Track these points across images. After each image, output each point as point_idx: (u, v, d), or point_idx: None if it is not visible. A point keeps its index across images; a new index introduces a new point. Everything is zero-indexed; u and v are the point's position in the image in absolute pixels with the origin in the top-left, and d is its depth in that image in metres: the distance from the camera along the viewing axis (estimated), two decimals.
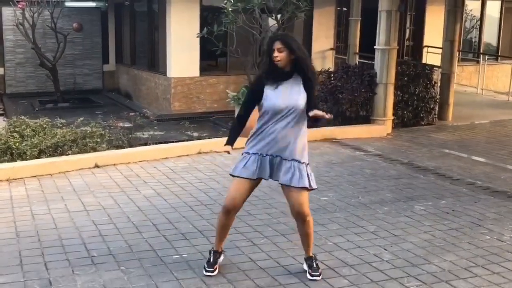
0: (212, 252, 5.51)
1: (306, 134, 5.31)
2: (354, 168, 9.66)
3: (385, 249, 6.20)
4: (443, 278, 5.48)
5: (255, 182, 5.29)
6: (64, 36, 18.83)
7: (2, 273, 5.52)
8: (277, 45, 5.12)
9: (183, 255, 5.98)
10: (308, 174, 5.23)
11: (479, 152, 10.93)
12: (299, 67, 5.18)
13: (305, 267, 5.54)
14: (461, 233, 6.68)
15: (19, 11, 18.38)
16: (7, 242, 6.31)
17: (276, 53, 5.11)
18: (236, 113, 5.52)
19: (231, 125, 5.44)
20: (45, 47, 19.67)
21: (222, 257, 5.60)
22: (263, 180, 5.38)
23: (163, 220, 7.07)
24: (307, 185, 5.20)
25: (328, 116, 5.09)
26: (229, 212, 5.30)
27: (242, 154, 5.31)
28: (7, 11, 20.06)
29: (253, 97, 5.33)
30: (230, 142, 5.32)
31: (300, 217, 5.34)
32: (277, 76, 5.19)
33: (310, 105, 5.15)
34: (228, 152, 5.33)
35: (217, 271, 5.40)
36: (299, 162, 5.20)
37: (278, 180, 5.25)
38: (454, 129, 13.32)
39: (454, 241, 6.44)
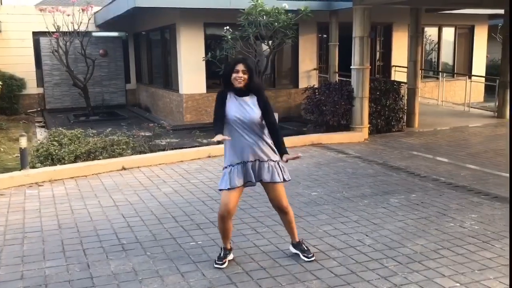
0: (222, 248, 5.43)
1: (269, 136, 5.19)
2: (338, 168, 9.64)
3: (367, 235, 6.18)
4: (416, 259, 5.47)
5: (240, 189, 5.20)
6: (92, 61, 18.81)
7: (49, 258, 5.52)
8: (242, 67, 5.06)
9: (198, 242, 5.98)
10: (281, 170, 5.23)
11: (442, 153, 10.90)
12: (252, 89, 5.13)
13: (295, 250, 5.55)
14: (429, 221, 6.66)
15: (54, 40, 18.32)
16: (51, 233, 6.31)
17: (240, 74, 5.04)
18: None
19: (214, 122, 5.18)
20: (77, 70, 19.62)
21: (231, 255, 5.45)
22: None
23: (180, 213, 7.06)
24: (283, 179, 5.23)
25: (299, 155, 5.32)
26: (225, 218, 5.18)
27: (223, 169, 5.24)
28: (44, 40, 20.01)
29: (219, 107, 5.11)
30: (219, 131, 5.02)
31: (281, 208, 5.35)
32: (236, 92, 5.12)
33: (272, 126, 5.18)
34: (219, 142, 5.31)
35: (226, 264, 5.29)
36: (273, 161, 5.18)
37: (261, 180, 5.20)
38: (420, 135, 13.28)
39: (424, 228, 6.43)
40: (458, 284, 4.88)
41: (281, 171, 5.23)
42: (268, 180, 5.17)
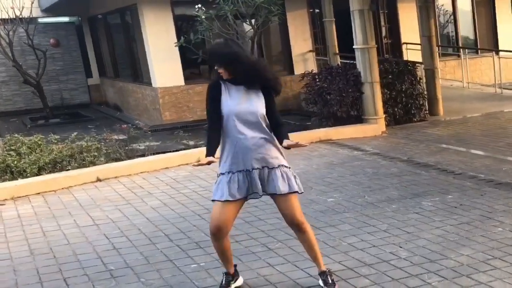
0: (223, 274, 5.24)
1: (275, 138, 4.97)
2: (355, 168, 9.68)
3: (401, 247, 6.20)
4: (463, 272, 5.48)
5: (241, 202, 4.97)
6: (43, 52, 18.79)
7: None
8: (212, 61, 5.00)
9: (201, 264, 5.96)
10: (295, 178, 4.99)
11: (477, 145, 10.98)
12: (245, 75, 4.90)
13: (321, 283, 5.21)
14: (473, 227, 6.69)
15: None
16: (22, 260, 6.28)
17: (217, 68, 4.85)
18: None
19: (206, 137, 5.06)
20: (26, 64, 19.59)
21: (240, 281, 5.33)
22: None
23: (174, 230, 7.05)
24: (295, 189, 4.95)
25: (304, 144, 5.01)
26: (217, 236, 4.94)
27: (218, 175, 4.97)
28: None
29: (212, 103, 4.91)
30: (211, 152, 4.85)
31: (298, 224, 5.05)
32: (229, 82, 4.91)
33: (271, 113, 4.97)
34: (209, 163, 4.82)
35: None
36: (286, 166, 4.97)
37: (273, 192, 4.93)
38: (447, 124, 13.39)
39: (467, 235, 6.45)
40: None
41: (295, 179, 4.98)
42: (285, 191, 4.89)
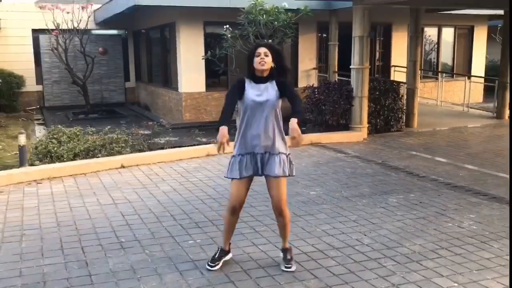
0: (219, 249, 5.25)
1: (282, 130, 4.99)
2: (337, 168, 9.64)
3: (365, 235, 6.19)
4: (414, 258, 5.48)
5: (250, 179, 5.05)
6: (91, 59, 18.81)
7: (47, 256, 5.52)
8: (263, 49, 4.88)
9: (197, 241, 5.97)
10: (289, 164, 5.02)
11: (441, 153, 10.91)
12: (279, 72, 4.97)
13: (281, 255, 5.32)
14: (428, 221, 6.67)
15: (53, 38, 18.33)
16: (50, 230, 6.30)
17: (262, 56, 4.85)
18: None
19: (221, 112, 4.90)
20: (76, 68, 19.59)
21: (228, 256, 5.30)
22: (262, 177, 5.13)
23: (179, 211, 7.05)
24: (287, 174, 4.99)
25: (298, 144, 4.65)
26: (236, 210, 5.04)
27: (232, 157, 5.02)
28: (44, 38, 19.96)
29: (234, 94, 4.93)
30: (224, 121, 4.76)
31: (280, 208, 5.05)
32: (255, 80, 4.94)
33: (294, 105, 4.85)
34: (223, 147, 4.65)
35: (219, 266, 5.12)
36: (284, 153, 4.98)
37: (269, 174, 4.96)
38: (419, 135, 13.30)
39: (422, 227, 6.44)
40: (456, 284, 4.88)
41: (289, 165, 5.02)
42: (278, 174, 4.93)
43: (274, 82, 4.94)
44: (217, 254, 5.20)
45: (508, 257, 5.51)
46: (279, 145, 4.97)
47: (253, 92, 4.90)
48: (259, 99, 4.87)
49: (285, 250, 5.31)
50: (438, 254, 5.62)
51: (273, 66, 4.94)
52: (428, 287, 4.81)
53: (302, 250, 5.66)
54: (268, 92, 4.90)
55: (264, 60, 4.85)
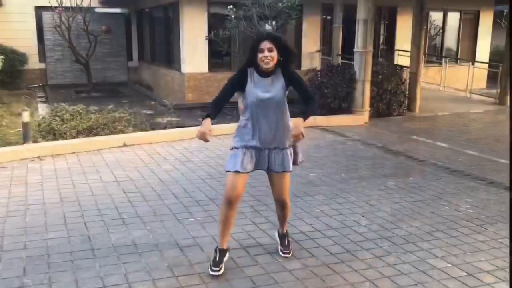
0: (217, 250, 4.77)
1: (289, 122, 4.70)
2: (337, 150, 9.77)
3: (363, 216, 6.33)
4: (410, 240, 5.61)
5: (248, 174, 4.73)
6: (94, 37, 18.90)
7: (51, 230, 5.66)
8: (267, 44, 4.46)
9: (197, 218, 6.10)
10: (291, 156, 4.80)
11: (442, 138, 11.03)
12: (285, 60, 4.60)
13: (277, 239, 5.28)
14: (425, 204, 6.81)
15: (56, 15, 18.43)
16: (53, 205, 6.44)
17: (266, 53, 4.46)
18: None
19: (212, 103, 4.63)
20: (79, 46, 19.63)
21: (227, 256, 4.85)
22: None
23: (180, 190, 7.19)
24: (291, 168, 4.78)
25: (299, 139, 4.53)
26: (232, 203, 4.64)
27: (231, 149, 4.72)
28: (47, 15, 20.01)
29: (234, 87, 4.64)
30: (211, 114, 4.49)
31: (282, 201, 4.94)
32: (259, 72, 4.59)
33: (303, 94, 4.65)
34: (205, 138, 4.38)
35: (222, 270, 4.70)
36: (287, 148, 4.75)
37: (273, 169, 4.74)
38: (420, 119, 13.42)
39: (419, 210, 6.57)
40: (450, 265, 5.02)
41: (291, 157, 4.79)
42: (279, 170, 4.73)
43: (280, 71, 4.61)
44: (218, 256, 4.75)
45: (502, 240, 5.66)
46: (285, 140, 4.72)
47: (257, 87, 4.58)
48: (265, 96, 4.56)
49: (283, 236, 5.23)
50: (433, 236, 5.75)
51: (279, 59, 4.57)
52: (423, 267, 4.95)
53: (300, 230, 5.80)
54: (274, 86, 4.58)
55: (268, 58, 4.47)
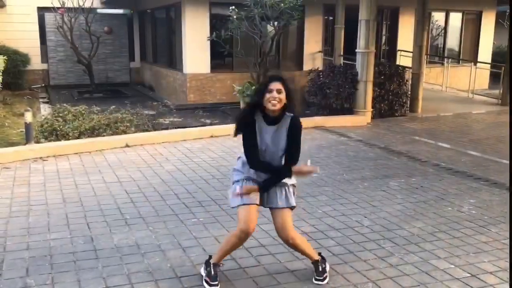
0: (212, 265, 4.55)
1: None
2: (339, 151, 9.77)
3: (365, 217, 6.33)
4: (412, 241, 5.61)
5: (257, 207, 4.43)
6: (97, 38, 18.92)
7: (53, 230, 5.67)
8: (277, 85, 4.23)
9: (200, 219, 6.11)
10: (293, 194, 4.56)
11: (444, 139, 11.03)
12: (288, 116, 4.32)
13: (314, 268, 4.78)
14: (428, 205, 6.81)
15: (59, 16, 18.44)
16: (56, 206, 6.46)
17: (275, 94, 4.19)
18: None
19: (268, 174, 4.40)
20: (81, 46, 19.67)
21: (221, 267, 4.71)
22: None
23: (183, 190, 7.19)
24: (293, 204, 4.54)
25: (317, 170, 4.52)
26: (248, 236, 4.38)
27: (237, 182, 4.47)
28: (49, 16, 20.05)
29: (251, 132, 4.34)
30: (266, 189, 4.39)
31: (289, 239, 4.53)
32: (266, 119, 4.34)
33: (290, 151, 4.38)
34: (249, 197, 4.31)
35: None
36: (288, 184, 4.50)
37: (273, 206, 4.50)
38: (422, 120, 13.41)
39: (422, 211, 6.57)
40: (452, 266, 5.01)
41: (292, 195, 4.56)
42: (283, 205, 4.48)
43: (288, 120, 4.32)
44: (212, 270, 4.53)
45: (505, 241, 5.65)
46: (286, 180, 4.48)
47: (263, 138, 4.35)
48: (273, 145, 4.35)
49: (315, 262, 4.75)
50: (436, 237, 5.75)
51: (285, 103, 4.29)
52: (426, 268, 4.94)
53: (303, 231, 5.79)
54: (280, 137, 4.33)
55: (276, 99, 4.20)
